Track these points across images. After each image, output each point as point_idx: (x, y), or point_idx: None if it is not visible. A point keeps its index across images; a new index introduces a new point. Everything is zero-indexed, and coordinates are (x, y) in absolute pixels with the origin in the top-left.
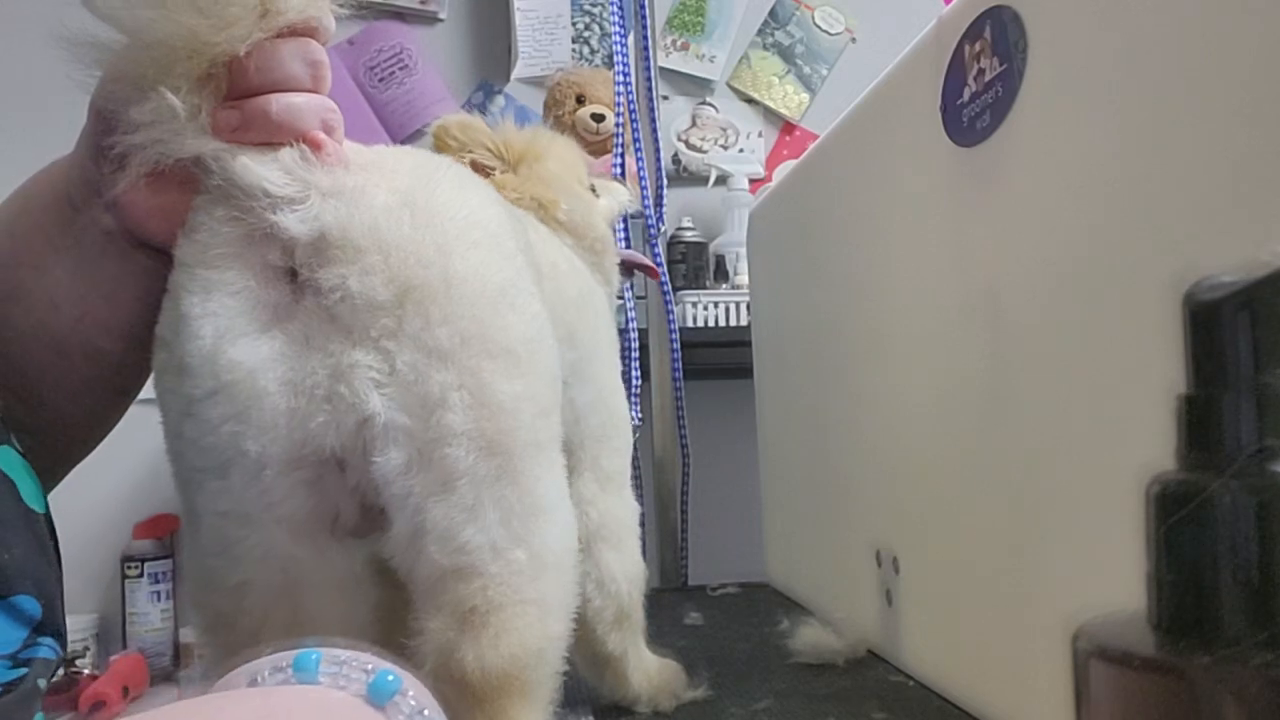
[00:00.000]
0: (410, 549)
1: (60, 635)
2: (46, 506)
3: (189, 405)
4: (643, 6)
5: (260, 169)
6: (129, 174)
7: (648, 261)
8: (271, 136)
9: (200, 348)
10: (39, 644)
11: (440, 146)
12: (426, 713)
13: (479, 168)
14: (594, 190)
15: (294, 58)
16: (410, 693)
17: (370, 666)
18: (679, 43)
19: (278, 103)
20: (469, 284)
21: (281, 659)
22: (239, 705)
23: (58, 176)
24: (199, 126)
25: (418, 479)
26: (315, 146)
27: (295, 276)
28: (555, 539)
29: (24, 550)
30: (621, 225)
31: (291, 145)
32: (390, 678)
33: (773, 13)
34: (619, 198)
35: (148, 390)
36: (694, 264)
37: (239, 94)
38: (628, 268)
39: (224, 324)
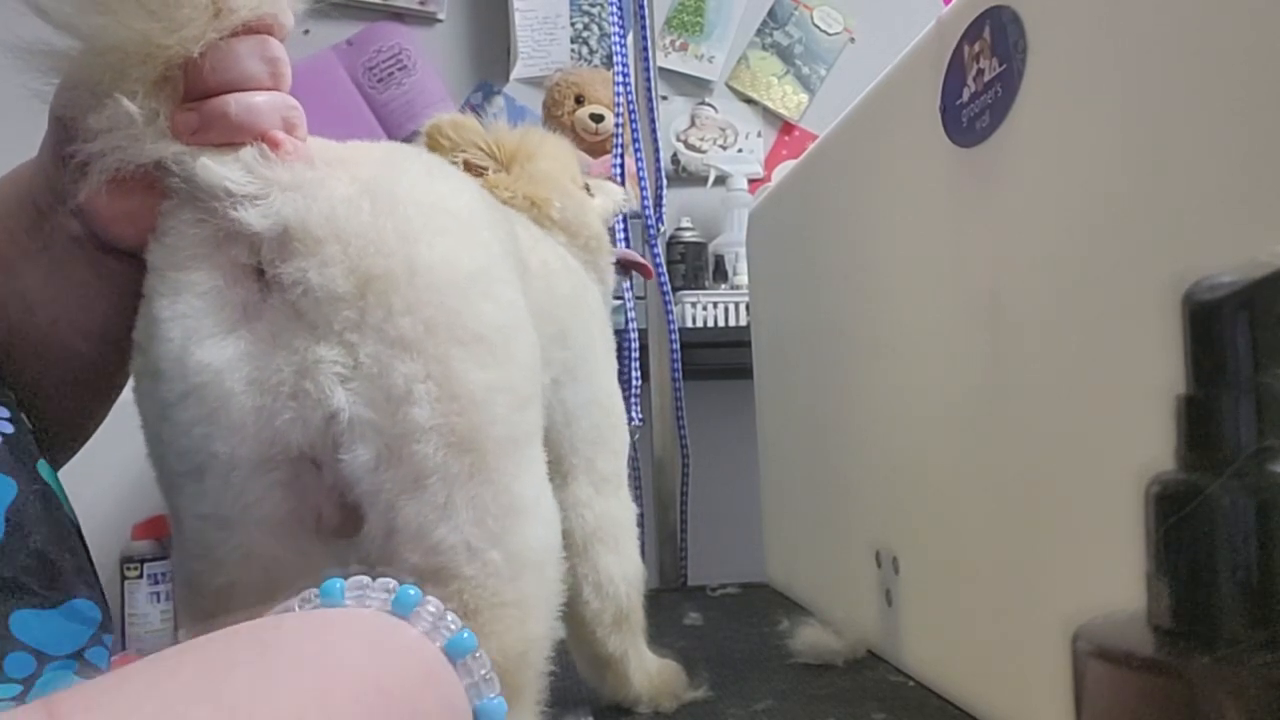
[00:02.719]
0: (384, 548)
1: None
2: (77, 521)
3: (164, 409)
4: (642, 6)
5: (221, 169)
6: (90, 181)
7: (641, 259)
8: (231, 137)
9: (170, 350)
10: (102, 641)
11: (433, 146)
12: (447, 616)
13: (472, 167)
14: (588, 190)
15: (250, 56)
16: (430, 602)
17: (391, 585)
18: (678, 43)
19: (236, 103)
20: (436, 271)
21: (309, 592)
22: (290, 618)
23: (23, 181)
24: (158, 130)
25: (387, 475)
26: (274, 146)
27: (263, 275)
28: (535, 538)
29: (73, 558)
30: (621, 225)
31: (252, 144)
32: (411, 591)
33: (771, 13)
34: (614, 197)
35: None
36: (693, 264)
37: (197, 95)
38: (623, 266)
39: (192, 325)
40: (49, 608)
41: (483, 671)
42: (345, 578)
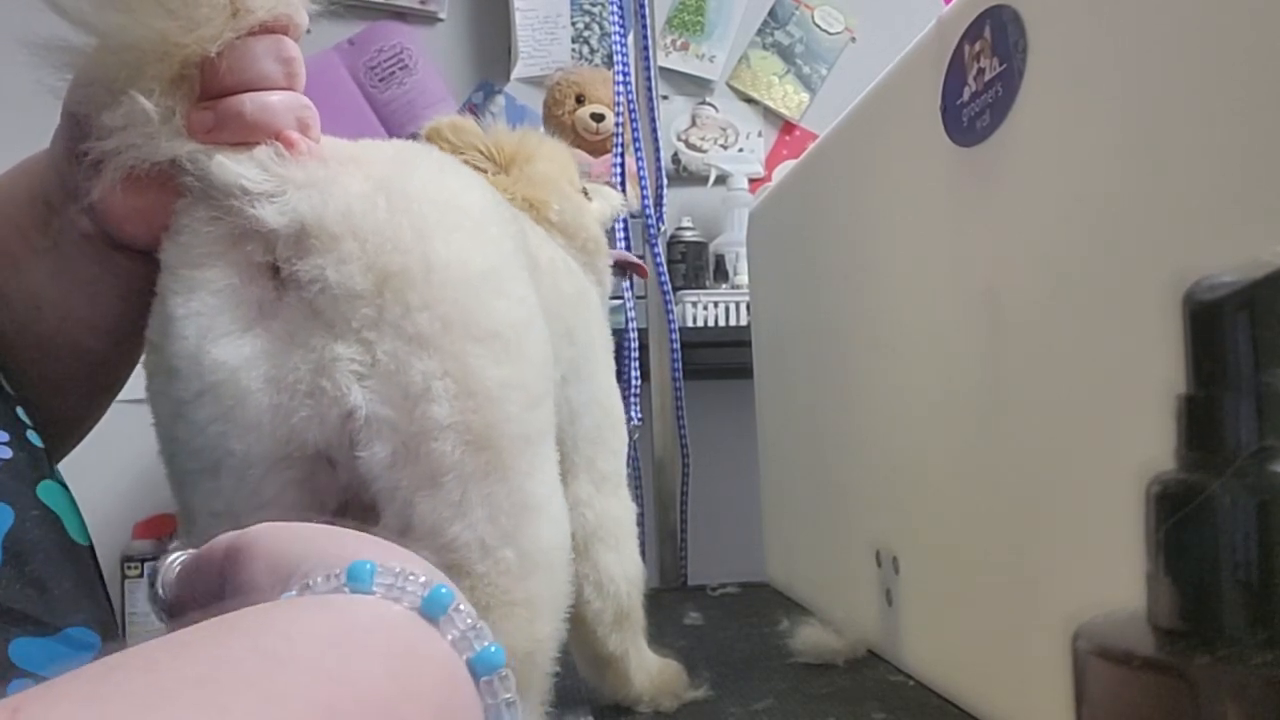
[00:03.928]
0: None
1: None
2: (89, 538)
3: (179, 407)
4: (642, 6)
5: (236, 167)
6: (104, 179)
7: (636, 259)
8: (246, 136)
9: (185, 348)
10: None
11: None
12: (478, 626)
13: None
14: (586, 194)
15: (266, 56)
16: (462, 606)
17: (424, 579)
18: (679, 42)
19: (252, 102)
20: (451, 268)
21: (334, 570)
22: (304, 620)
23: (33, 176)
24: (173, 129)
25: (404, 473)
26: (289, 145)
27: (278, 273)
28: (545, 537)
29: (72, 584)
30: (621, 225)
31: (266, 143)
32: (444, 590)
33: (772, 12)
34: (612, 201)
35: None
36: (694, 264)
37: (213, 94)
38: (620, 268)
39: (207, 324)
40: (45, 635)
41: (506, 695)
42: (376, 563)
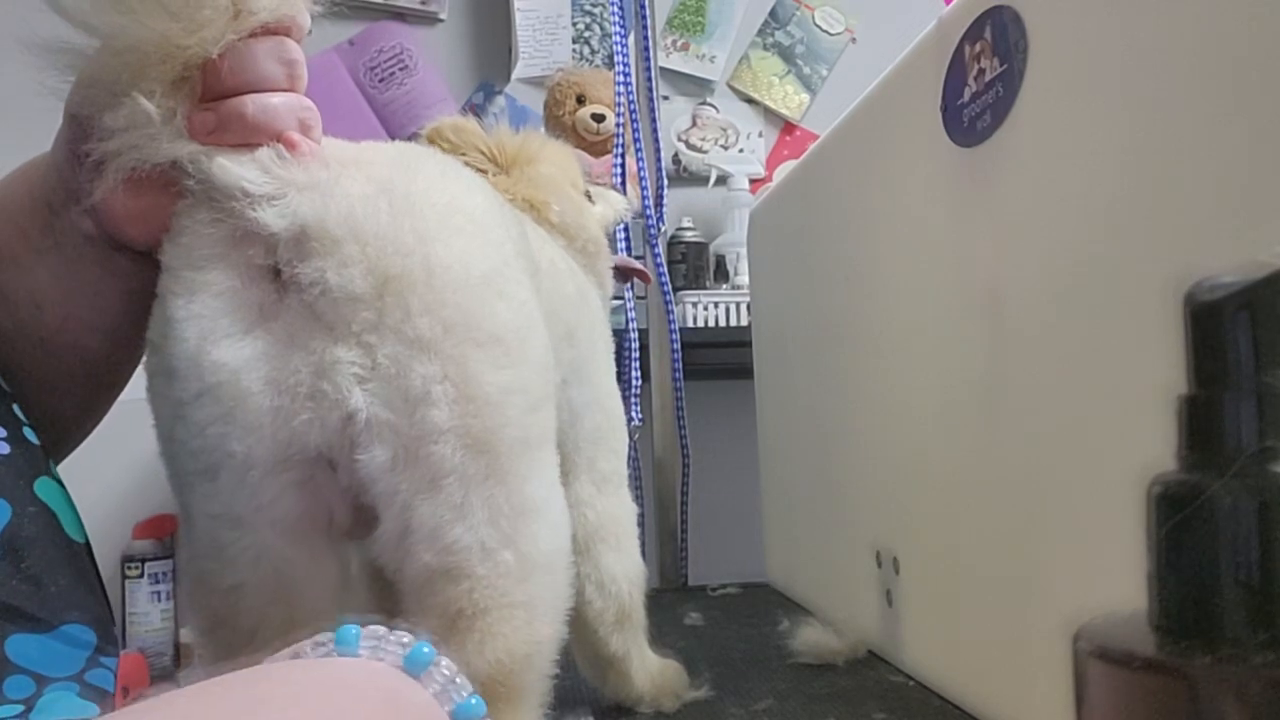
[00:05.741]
0: (398, 549)
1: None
2: (85, 536)
3: (178, 409)
4: (643, 6)
5: (238, 169)
6: (106, 180)
7: (639, 265)
8: (248, 138)
9: (185, 350)
10: (101, 663)
11: None
12: (458, 680)
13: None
14: (589, 197)
15: (269, 57)
16: (443, 663)
17: (406, 640)
18: (679, 43)
19: (254, 103)
20: (452, 271)
21: (323, 635)
22: (297, 672)
23: (35, 178)
24: (175, 130)
25: (404, 476)
26: (290, 147)
27: (279, 275)
28: (545, 540)
29: (69, 581)
30: (622, 226)
31: (268, 145)
32: (425, 649)
33: (773, 13)
34: (615, 205)
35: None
36: (694, 264)
37: (214, 96)
38: (622, 273)
39: (208, 325)
40: (42, 632)
41: None
42: (362, 624)
